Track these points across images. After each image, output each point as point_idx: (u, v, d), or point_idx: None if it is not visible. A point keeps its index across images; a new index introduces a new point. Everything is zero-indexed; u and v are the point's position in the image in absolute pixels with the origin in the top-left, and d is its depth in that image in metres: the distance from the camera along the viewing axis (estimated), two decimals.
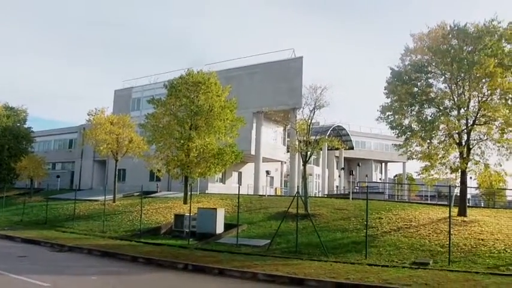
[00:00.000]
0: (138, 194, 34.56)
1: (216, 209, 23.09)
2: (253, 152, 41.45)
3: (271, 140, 45.66)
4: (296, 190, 20.62)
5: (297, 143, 26.23)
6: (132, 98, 50.99)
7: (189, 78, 29.62)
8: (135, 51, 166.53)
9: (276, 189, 48.19)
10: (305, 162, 25.64)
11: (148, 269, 15.14)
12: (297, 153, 29.27)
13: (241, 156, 30.73)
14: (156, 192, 39.11)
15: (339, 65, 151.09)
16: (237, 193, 23.09)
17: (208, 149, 28.65)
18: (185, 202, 28.59)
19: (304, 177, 26.22)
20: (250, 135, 40.90)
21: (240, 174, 46.51)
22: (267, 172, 42.24)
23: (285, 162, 49.17)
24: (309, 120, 25.08)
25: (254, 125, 41.71)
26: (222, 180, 44.19)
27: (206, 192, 37.83)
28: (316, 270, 13.90)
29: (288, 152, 44.16)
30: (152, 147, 31.82)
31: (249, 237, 20.98)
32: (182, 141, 28.46)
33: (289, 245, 18.70)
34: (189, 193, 25.39)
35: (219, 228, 22.08)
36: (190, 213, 22.45)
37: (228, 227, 22.38)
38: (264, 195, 34.91)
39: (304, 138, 25.19)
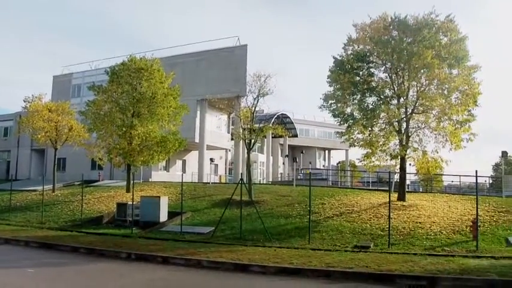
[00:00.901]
0: (79, 183, 33.58)
1: (159, 197, 22.81)
2: (197, 140, 41.18)
3: (216, 127, 45.49)
4: (240, 178, 20.62)
5: (241, 130, 26.27)
6: (73, 85, 49.29)
7: (131, 64, 28.90)
8: (76, 36, 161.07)
9: (220, 176, 48.15)
10: (249, 150, 25.70)
11: (89, 260, 14.75)
12: (241, 141, 29.25)
13: (184, 144, 30.41)
14: (98, 181, 38.18)
15: (285, 53, 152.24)
16: (181, 181, 22.86)
17: (151, 136, 28.17)
18: (128, 191, 28.08)
19: (248, 165, 26.30)
20: (194, 123, 40.59)
21: (184, 162, 46.11)
22: (211, 160, 42.13)
23: (230, 150, 49.21)
24: (253, 108, 25.14)
25: (198, 112, 41.39)
26: (166, 168, 43.69)
27: (150, 180, 37.28)
28: (261, 256, 13.99)
29: (232, 139, 44.20)
30: (93, 135, 30.95)
31: (193, 224, 20.88)
32: (124, 129, 27.85)
33: (233, 232, 18.76)
34: (132, 181, 24.88)
35: (163, 217, 21.83)
36: (133, 201, 22.06)
37: (172, 215, 22.14)
38: (209, 183, 34.81)
39: (248, 126, 25.25)
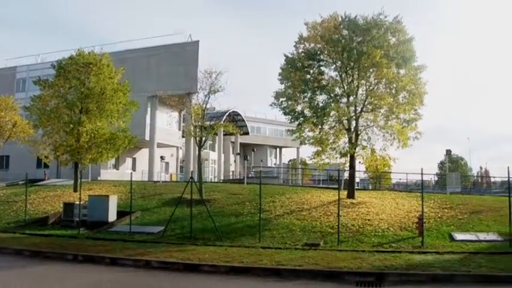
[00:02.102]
0: (23, 182, 32.31)
1: (108, 196, 22.24)
2: (147, 137, 40.60)
3: (166, 125, 45.00)
4: (191, 176, 20.42)
5: (192, 128, 26.00)
6: (17, 79, 47.52)
7: (79, 58, 28.03)
8: (21, 28, 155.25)
9: (171, 175, 47.67)
10: (200, 148, 25.50)
11: (33, 262, 14.14)
12: (192, 139, 29.02)
13: (134, 142, 29.84)
14: (44, 180, 36.88)
15: (237, 51, 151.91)
16: (131, 180, 22.38)
17: (100, 133, 27.42)
18: (75, 190, 27.24)
19: (199, 163, 26.10)
20: (144, 120, 40.03)
21: (134, 160, 45.37)
22: (162, 158, 41.62)
23: (181, 148, 48.74)
24: (204, 105, 24.92)
25: (149, 109, 40.84)
26: (116, 166, 42.84)
27: (98, 179, 36.39)
28: (211, 255, 13.90)
29: (183, 137, 43.81)
30: (39, 131, 29.87)
31: (143, 224, 20.50)
32: (72, 126, 26.95)
33: (184, 231, 18.54)
34: (79, 180, 24.15)
35: (112, 216, 21.31)
36: (80, 201, 21.41)
37: (121, 214, 21.62)
38: (159, 181, 34.36)
39: (199, 123, 25.04)
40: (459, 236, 16.67)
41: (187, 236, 17.87)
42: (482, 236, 16.67)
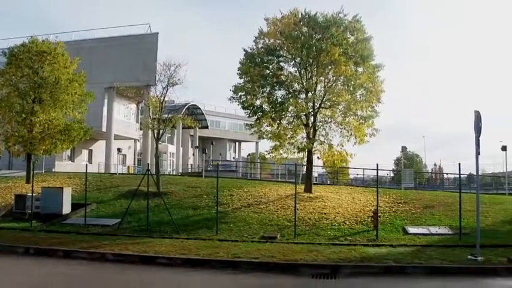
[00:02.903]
0: None
1: (62, 188, 21.69)
2: (104, 129, 39.88)
3: (124, 116, 44.27)
4: (147, 168, 20.16)
5: (149, 120, 25.65)
6: None
7: (32, 46, 27.06)
8: None
9: (128, 167, 47.05)
10: (157, 140, 25.20)
11: None
12: (150, 131, 28.62)
13: (90, 133, 29.18)
14: None
15: (197, 44, 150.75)
16: (86, 171, 21.91)
17: (54, 124, 26.64)
18: (28, 181, 26.37)
19: (157, 155, 25.80)
20: (101, 111, 39.28)
21: (90, 152, 44.46)
22: (119, 150, 40.98)
23: (139, 140, 48.11)
24: (162, 98, 24.61)
25: (106, 100, 40.06)
26: (71, 158, 41.90)
27: (53, 170, 35.42)
28: (167, 248, 13.77)
29: (141, 129, 43.26)
30: None
31: (98, 216, 20.07)
32: (24, 116, 26.04)
33: (140, 224, 18.29)
34: (32, 172, 23.42)
35: (66, 209, 20.77)
36: (32, 192, 20.78)
37: (76, 206, 21.09)
38: (116, 174, 33.78)
39: (157, 116, 24.73)
40: (412, 230, 17.12)
41: (143, 228, 17.65)
42: (434, 230, 17.19)
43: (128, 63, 38.47)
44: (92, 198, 22.26)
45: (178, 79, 24.26)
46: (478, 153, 13.31)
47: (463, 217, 16.84)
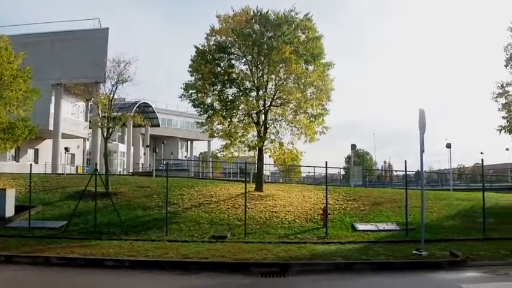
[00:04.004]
0: None
1: (5, 189, 20.77)
2: (51, 127, 38.69)
3: (72, 114, 43.07)
4: (95, 168, 19.68)
5: (98, 118, 25.03)
6: None
7: None
8: None
9: (77, 167, 45.80)
10: (106, 139, 24.61)
11: None
12: (99, 130, 27.93)
13: (36, 132, 28.01)
14: None
15: (148, 41, 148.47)
16: (31, 172, 21.13)
17: None
18: None
19: (106, 154, 25.18)
20: (48, 109, 38.12)
21: (36, 151, 43.02)
22: (66, 149, 39.83)
23: (88, 139, 46.92)
24: (111, 95, 24.06)
25: (53, 98, 38.91)
26: (15, 158, 40.41)
27: None
28: (115, 250, 13.50)
29: (90, 128, 42.22)
30: None
31: (44, 219, 19.35)
32: None
33: (88, 226, 17.80)
34: None
35: (9, 211, 19.91)
36: None
37: (20, 209, 20.23)
38: (63, 174, 32.84)
39: (106, 113, 24.16)
40: (361, 227, 17.47)
41: (91, 230, 17.19)
42: (381, 226, 17.60)
43: (77, 59, 37.35)
44: (38, 200, 21.54)
45: (128, 76, 23.79)
46: (422, 150, 13.70)
47: (409, 213, 17.31)
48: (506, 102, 24.66)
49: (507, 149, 64.00)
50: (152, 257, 12.56)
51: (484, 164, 22.27)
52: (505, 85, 24.71)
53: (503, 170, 69.70)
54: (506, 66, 24.82)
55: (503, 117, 24.69)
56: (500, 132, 24.71)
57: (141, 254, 12.87)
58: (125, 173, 47.30)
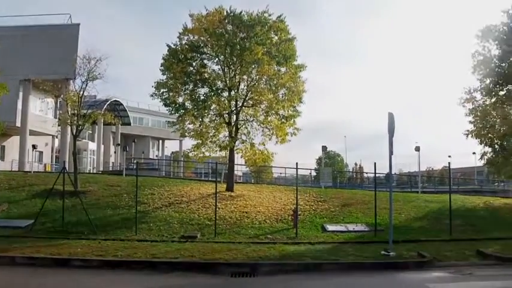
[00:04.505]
0: None
1: None
2: (18, 124, 37.83)
3: (40, 111, 42.21)
4: (63, 166, 19.32)
5: (68, 115, 24.58)
6: None
7: None
8: None
9: (46, 165, 44.93)
10: (75, 137, 24.19)
11: None
12: (69, 127, 27.44)
13: (2, 128, 27.47)
14: None
15: (120, 38, 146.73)
16: None
17: None
18: None
19: (75, 153, 24.70)
20: (15, 105, 37.25)
21: (3, 148, 42.01)
22: (34, 146, 38.95)
23: (57, 137, 46.05)
24: (81, 92, 23.64)
25: (21, 94, 38.01)
26: None
27: None
28: (83, 249, 13.29)
29: (59, 125, 41.45)
30: None
31: (9, 218, 18.90)
32: None
33: (55, 225, 17.44)
34: None
35: None
36: None
37: None
38: (30, 172, 32.17)
39: (76, 111, 23.75)
40: (331, 227, 17.65)
41: (59, 229, 16.86)
42: (351, 227, 17.84)
43: (46, 54, 36.56)
44: (3, 198, 21.07)
45: (99, 73, 23.41)
46: (391, 152, 13.90)
47: (379, 214, 17.60)
48: (473, 108, 25.28)
49: (474, 153, 65.38)
50: (121, 256, 12.41)
51: (452, 167, 22.77)
52: (472, 91, 25.36)
53: (471, 173, 71.29)
54: (473, 72, 25.46)
55: (470, 122, 25.32)
56: (467, 136, 25.32)
57: (110, 254, 12.70)
58: (94, 172, 46.56)
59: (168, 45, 23.79)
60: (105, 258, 12.29)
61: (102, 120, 37.35)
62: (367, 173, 60.31)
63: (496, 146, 25.19)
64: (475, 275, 11.20)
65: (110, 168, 53.28)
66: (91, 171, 46.83)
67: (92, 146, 53.83)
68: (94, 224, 16.94)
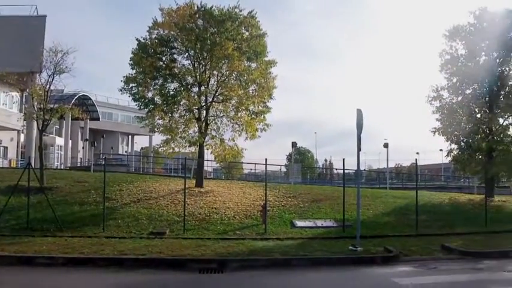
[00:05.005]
0: None
1: None
2: None
3: (5, 105, 41.18)
4: (29, 161, 18.88)
5: (33, 110, 23.99)
6: None
7: None
8: None
9: (10, 161, 43.85)
10: (41, 132, 23.64)
11: None
12: (35, 122, 26.80)
13: None
14: None
15: (92, 34, 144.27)
16: None
17: None
18: None
19: (41, 148, 24.15)
20: None
21: None
22: None
23: (22, 132, 45.00)
24: (48, 86, 23.07)
25: None
26: None
27: None
28: (49, 247, 12.99)
29: (24, 120, 40.51)
30: None
31: None
32: None
33: (19, 222, 16.95)
34: None
35: None
36: None
37: None
38: None
39: (42, 105, 23.20)
40: (299, 223, 17.72)
41: (23, 227, 16.41)
42: (320, 223, 17.95)
43: (11, 46, 35.53)
44: None
45: (66, 67, 22.87)
46: (359, 149, 14.07)
47: (347, 210, 17.80)
48: (440, 106, 25.82)
49: (441, 150, 66.79)
50: (87, 253, 12.20)
51: (420, 164, 23.18)
52: (439, 89, 25.90)
53: (438, 170, 72.79)
54: (441, 71, 26.03)
55: (437, 120, 25.87)
56: (434, 134, 25.90)
57: (76, 251, 12.46)
58: (62, 168, 45.75)
59: (137, 39, 23.44)
60: (71, 255, 12.05)
61: (70, 115, 36.63)
62: (336, 169, 60.92)
63: (462, 144, 25.83)
64: (440, 269, 11.47)
65: (78, 164, 52.48)
66: (58, 167, 46.00)
67: (59, 141, 52.85)
68: (60, 220, 16.57)
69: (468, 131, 25.20)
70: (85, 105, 50.71)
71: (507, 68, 25.21)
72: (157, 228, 16.26)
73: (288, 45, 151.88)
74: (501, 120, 25.21)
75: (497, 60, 25.04)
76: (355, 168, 16.74)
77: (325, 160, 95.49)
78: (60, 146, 53.08)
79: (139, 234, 15.63)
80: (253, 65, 23.88)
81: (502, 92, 24.95)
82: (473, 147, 25.27)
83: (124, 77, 23.25)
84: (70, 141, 54.29)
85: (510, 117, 25.14)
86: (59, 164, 50.84)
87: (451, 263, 12.35)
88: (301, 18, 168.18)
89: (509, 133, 25.29)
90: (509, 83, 25.03)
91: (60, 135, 53.17)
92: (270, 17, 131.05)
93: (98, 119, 58.55)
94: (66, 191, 21.50)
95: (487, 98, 25.15)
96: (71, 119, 50.40)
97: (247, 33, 23.92)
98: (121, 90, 23.54)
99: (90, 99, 55.02)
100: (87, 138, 57.13)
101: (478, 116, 25.40)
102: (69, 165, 50.19)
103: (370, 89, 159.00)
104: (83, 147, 58.92)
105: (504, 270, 11.37)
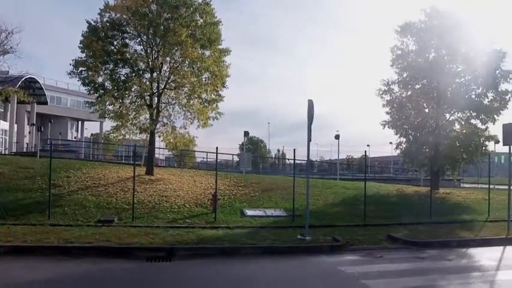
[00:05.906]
0: None
1: None
2: None
3: None
4: None
5: None
6: None
7: None
8: None
9: None
10: None
11: None
12: None
13: None
14: None
15: (38, 12, 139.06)
16: None
17: None
18: None
19: None
20: None
21: None
22: None
23: None
24: None
25: None
26: None
27: None
28: None
29: None
30: None
31: None
32: None
33: None
34: None
35: None
36: None
37: None
38: None
39: None
40: (250, 212, 17.85)
41: None
42: (270, 212, 18.15)
43: None
44: None
45: (11, 47, 22.10)
46: (309, 139, 14.22)
47: (297, 200, 18.01)
48: (390, 99, 26.45)
49: (391, 143, 68.52)
50: (31, 242, 11.81)
51: (370, 156, 23.76)
52: (390, 83, 26.51)
53: (387, 162, 74.65)
54: (392, 65, 26.63)
55: (387, 113, 26.51)
56: (384, 127, 26.55)
57: (19, 239, 12.04)
58: (6, 153, 44.16)
59: (88, 22, 22.75)
60: (13, 243, 11.62)
61: (16, 98, 35.39)
62: (288, 159, 61.51)
63: (410, 137, 26.58)
64: (385, 258, 11.80)
65: (24, 150, 50.80)
66: (2, 153, 44.39)
67: (4, 125, 50.95)
68: (3, 208, 16.00)
69: (416, 125, 25.95)
70: (32, 88, 49.05)
71: (454, 66, 26.03)
72: (105, 216, 15.96)
73: (246, 35, 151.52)
74: (448, 116, 26.12)
75: (446, 58, 25.85)
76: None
77: (278, 150, 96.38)
78: (5, 131, 51.17)
79: (87, 222, 15.30)
80: (207, 52, 23.67)
81: (450, 89, 25.74)
82: (420, 141, 26.02)
83: (73, 60, 22.58)
84: (16, 125, 52.38)
85: (456, 113, 26.05)
86: (3, 149, 49.09)
87: (396, 252, 12.72)
88: (256, 8, 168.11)
89: (455, 128, 26.22)
90: (456, 80, 25.87)
91: (4, 119, 51.22)
92: (224, 5, 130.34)
93: (46, 103, 56.74)
94: (10, 177, 20.77)
95: (435, 94, 25.95)
96: (17, 103, 48.65)
97: (201, 21, 23.66)
98: (70, 74, 22.85)
99: (38, 82, 53.14)
100: (34, 122, 55.14)
101: (426, 110, 26.15)
102: (14, 150, 48.53)
103: (324, 81, 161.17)
104: (29, 132, 56.94)
105: (445, 259, 11.78)
